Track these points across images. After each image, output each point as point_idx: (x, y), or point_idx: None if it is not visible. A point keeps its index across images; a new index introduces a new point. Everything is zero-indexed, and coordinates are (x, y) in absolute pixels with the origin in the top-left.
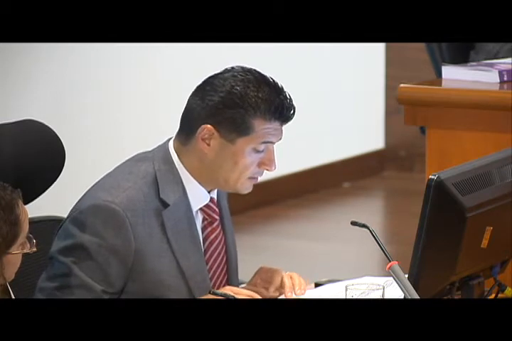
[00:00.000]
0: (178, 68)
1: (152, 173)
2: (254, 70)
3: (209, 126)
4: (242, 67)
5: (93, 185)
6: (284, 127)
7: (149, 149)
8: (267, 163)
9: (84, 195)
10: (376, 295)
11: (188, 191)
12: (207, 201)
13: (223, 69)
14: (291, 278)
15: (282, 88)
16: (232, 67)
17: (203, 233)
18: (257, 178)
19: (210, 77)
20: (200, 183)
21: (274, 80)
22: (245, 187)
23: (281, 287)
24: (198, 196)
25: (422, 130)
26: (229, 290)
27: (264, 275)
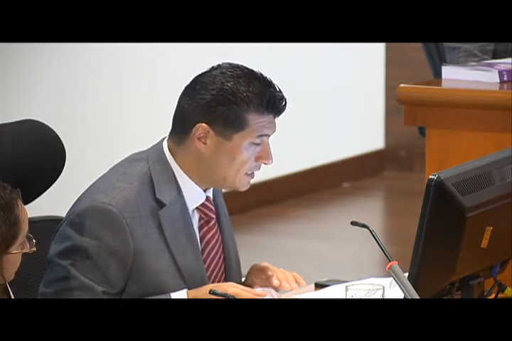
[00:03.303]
0: (178, 68)
1: (147, 173)
2: (242, 66)
3: (203, 124)
4: (230, 64)
5: (88, 187)
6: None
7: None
8: (263, 156)
9: (80, 197)
10: (376, 295)
11: (183, 190)
12: (203, 200)
13: (210, 67)
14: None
15: (271, 81)
16: (219, 65)
17: (199, 232)
18: (253, 174)
19: (198, 76)
20: (195, 182)
21: (262, 74)
22: (243, 184)
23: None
24: (194, 195)
25: (422, 131)
26: (233, 288)
27: (257, 274)
